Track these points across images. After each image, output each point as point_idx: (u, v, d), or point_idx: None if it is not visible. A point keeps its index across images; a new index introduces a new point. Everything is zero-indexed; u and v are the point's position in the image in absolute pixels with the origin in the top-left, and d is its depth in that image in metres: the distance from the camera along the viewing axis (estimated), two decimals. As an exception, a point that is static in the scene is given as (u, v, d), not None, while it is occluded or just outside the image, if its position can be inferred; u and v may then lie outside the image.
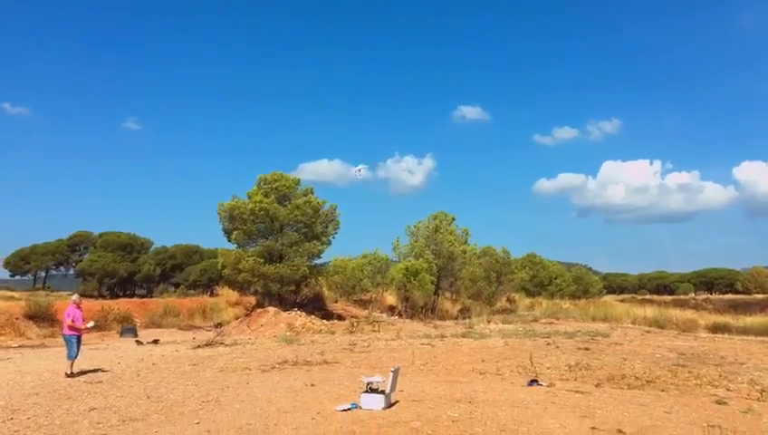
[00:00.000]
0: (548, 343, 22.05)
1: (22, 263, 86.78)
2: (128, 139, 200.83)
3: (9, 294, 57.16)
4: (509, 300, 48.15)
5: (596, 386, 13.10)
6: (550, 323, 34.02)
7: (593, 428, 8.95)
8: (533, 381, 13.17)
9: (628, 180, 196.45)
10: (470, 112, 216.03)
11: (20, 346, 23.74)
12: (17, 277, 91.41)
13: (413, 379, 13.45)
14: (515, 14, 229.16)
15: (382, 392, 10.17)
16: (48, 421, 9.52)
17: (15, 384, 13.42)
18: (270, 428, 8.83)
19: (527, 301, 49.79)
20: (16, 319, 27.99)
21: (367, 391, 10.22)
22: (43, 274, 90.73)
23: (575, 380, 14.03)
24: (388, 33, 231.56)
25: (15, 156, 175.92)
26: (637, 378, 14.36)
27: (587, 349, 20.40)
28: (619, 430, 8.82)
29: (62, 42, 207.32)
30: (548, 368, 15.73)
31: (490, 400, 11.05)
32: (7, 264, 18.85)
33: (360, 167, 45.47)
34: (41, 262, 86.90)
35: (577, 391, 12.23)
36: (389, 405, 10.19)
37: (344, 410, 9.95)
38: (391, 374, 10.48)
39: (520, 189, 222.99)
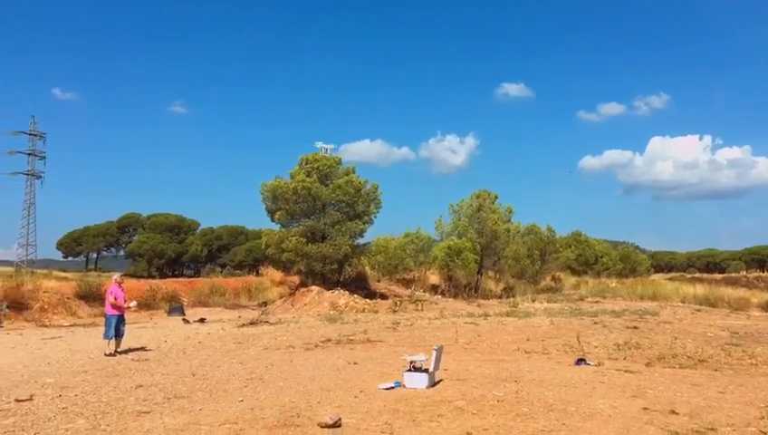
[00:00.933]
0: (595, 322, 21.66)
1: (74, 245, 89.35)
2: (174, 122, 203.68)
3: (63, 275, 58.88)
4: (554, 279, 47.51)
5: (646, 365, 12.75)
6: (596, 302, 33.44)
7: (645, 408, 8.65)
8: (581, 361, 12.87)
9: (677, 156, 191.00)
10: (513, 90, 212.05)
11: (72, 325, 24.35)
12: (70, 259, 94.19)
13: (457, 357, 13.28)
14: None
15: (426, 371, 10.03)
16: (95, 398, 9.64)
17: (65, 362, 13.70)
18: (313, 405, 8.78)
19: (573, 280, 49.03)
20: (68, 299, 28.71)
21: (410, 370, 10.09)
22: (95, 255, 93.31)
23: (624, 359, 13.69)
24: (428, 11, 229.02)
25: (67, 141, 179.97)
26: (688, 357, 13.95)
27: (635, 328, 19.97)
28: (672, 411, 8.51)
29: (107, 27, 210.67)
30: (595, 347, 15.41)
31: (536, 379, 10.82)
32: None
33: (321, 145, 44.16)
34: (92, 244, 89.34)
35: (626, 371, 11.91)
36: (433, 384, 10.05)
37: (387, 388, 9.85)
38: (435, 353, 10.33)
39: (564, 167, 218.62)
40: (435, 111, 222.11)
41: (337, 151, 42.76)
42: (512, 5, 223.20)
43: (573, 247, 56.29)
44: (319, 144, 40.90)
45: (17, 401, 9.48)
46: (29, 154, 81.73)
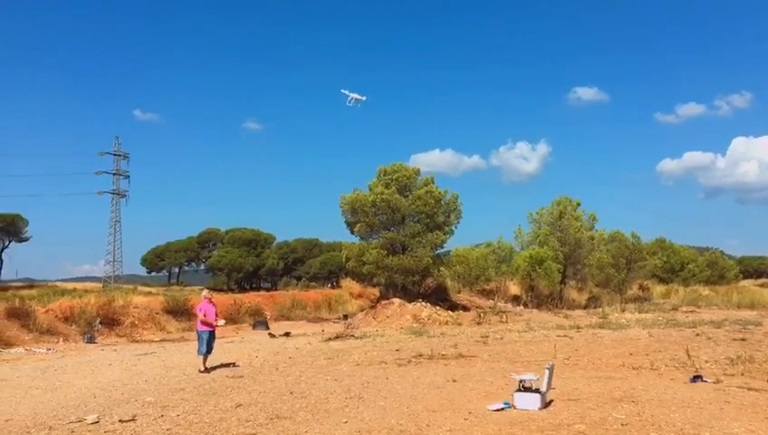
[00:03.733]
0: (696, 334, 20.44)
1: (157, 260, 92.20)
2: (249, 139, 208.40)
3: (147, 289, 60.73)
4: (641, 288, 45.72)
5: (768, 382, 11.75)
6: (691, 312, 31.85)
7: (788, 433, 7.83)
8: (697, 377, 11.97)
9: (762, 157, 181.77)
10: (586, 94, 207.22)
11: (161, 340, 24.78)
12: (153, 274, 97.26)
13: (560, 374, 12.58)
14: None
15: (537, 391, 9.45)
16: (197, 419, 9.49)
17: (162, 379, 13.73)
18: (422, 428, 8.35)
19: (661, 288, 47.05)
20: (156, 314, 29.35)
21: (520, 390, 9.53)
22: (177, 270, 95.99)
23: (742, 374, 12.68)
24: (495, 15, 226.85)
25: (149, 160, 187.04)
26: (813, 372, 12.81)
27: (743, 339, 18.72)
28: (822, 437, 7.67)
29: (183, 47, 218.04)
30: (706, 361, 14.40)
31: (655, 399, 10.06)
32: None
33: (355, 96, 43.58)
34: (174, 259, 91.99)
35: (750, 388, 10.97)
36: (545, 405, 9.45)
37: (497, 409, 9.31)
38: (547, 372, 9.73)
39: (642, 171, 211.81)
40: (505, 118, 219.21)
41: (365, 103, 41.47)
42: (581, 7, 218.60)
43: (659, 254, 54.05)
44: (345, 91, 40.27)
45: (121, 421, 9.43)
46: (114, 174, 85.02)
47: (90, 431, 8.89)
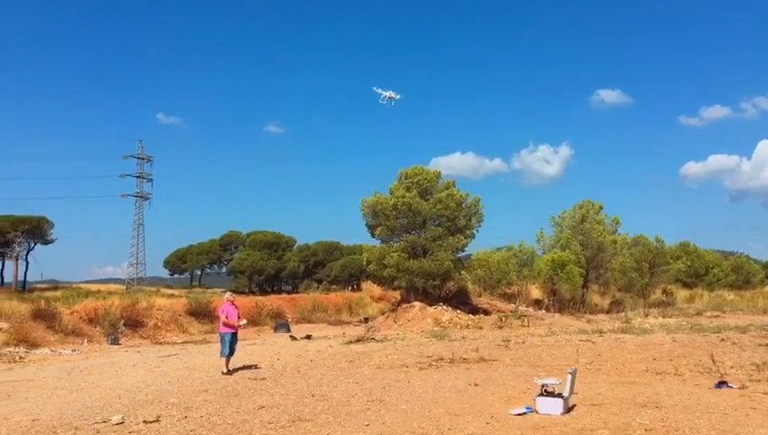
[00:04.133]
0: (721, 339, 20.18)
1: (179, 263, 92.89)
2: (270, 142, 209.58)
3: (170, 291, 61.18)
4: (665, 292, 45.24)
5: (796, 388, 11.56)
6: (716, 317, 31.46)
7: (817, 441, 7.72)
8: (722, 383, 11.82)
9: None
10: (609, 96, 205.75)
11: (184, 342, 25.00)
12: (175, 276, 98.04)
13: (583, 379, 12.49)
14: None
15: (560, 396, 9.39)
16: (221, 420, 9.57)
17: (185, 381, 13.86)
18: (444, 432, 8.34)
19: (685, 293, 46.53)
20: (179, 316, 29.62)
21: (542, 394, 9.48)
22: (199, 272, 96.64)
23: (768, 380, 12.51)
24: (518, 18, 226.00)
25: (171, 163, 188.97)
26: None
27: (769, 345, 18.44)
28: None
29: (204, 51, 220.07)
30: (731, 367, 14.21)
31: (679, 404, 9.96)
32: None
33: (389, 93, 43.70)
34: (196, 261, 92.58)
35: (775, 395, 10.83)
36: (568, 410, 9.40)
37: (519, 414, 9.28)
38: (569, 377, 9.68)
39: (666, 174, 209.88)
40: (527, 121, 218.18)
41: (396, 100, 41.51)
42: (604, 9, 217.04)
43: (683, 258, 53.43)
44: (378, 89, 40.33)
45: (145, 422, 9.54)
46: (137, 177, 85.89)
47: (114, 432, 9.01)
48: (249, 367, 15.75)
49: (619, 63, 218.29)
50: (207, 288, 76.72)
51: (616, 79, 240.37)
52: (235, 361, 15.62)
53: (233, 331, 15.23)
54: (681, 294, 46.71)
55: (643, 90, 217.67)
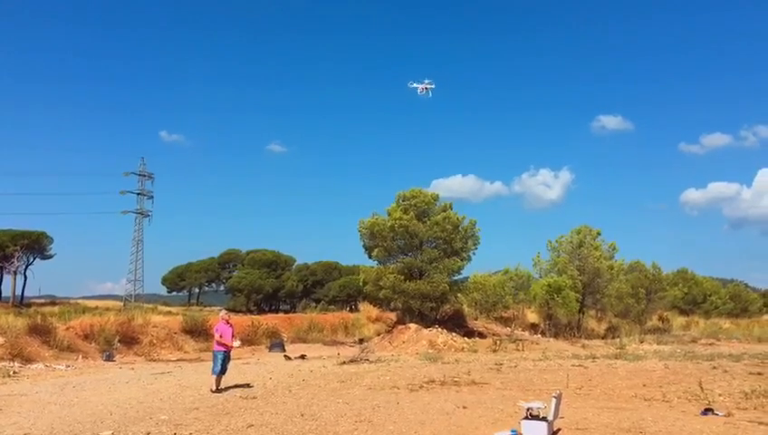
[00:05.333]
0: (714, 367, 20.24)
1: (178, 280, 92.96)
2: (272, 161, 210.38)
3: (167, 309, 61.26)
4: (661, 319, 45.28)
5: (781, 417, 11.66)
6: (710, 345, 31.52)
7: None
8: (708, 410, 11.93)
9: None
10: (610, 122, 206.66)
11: (178, 360, 25.06)
12: (174, 293, 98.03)
13: (571, 404, 12.61)
14: (655, 17, 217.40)
15: (544, 419, 9.52)
16: (209, 437, 9.69)
17: (177, 398, 13.96)
18: (428, 454, 8.47)
19: (681, 320, 46.58)
20: (175, 333, 29.67)
21: (527, 418, 9.60)
22: (197, 290, 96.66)
23: (755, 409, 12.59)
24: (521, 42, 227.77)
25: (173, 180, 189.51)
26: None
27: (760, 374, 18.50)
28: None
29: (208, 70, 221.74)
30: (720, 395, 14.30)
31: (662, 430, 10.08)
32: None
33: (424, 85, 44.99)
34: (195, 279, 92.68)
35: (761, 423, 10.92)
36: (552, 433, 9.52)
37: (503, 436, 9.41)
38: (554, 400, 9.81)
39: (666, 200, 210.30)
40: (528, 145, 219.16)
41: (431, 93, 42.70)
42: (606, 35, 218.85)
43: (681, 285, 53.52)
44: (414, 84, 41.50)
45: (135, 438, 9.66)
46: (138, 194, 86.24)
47: (104, 447, 9.12)
48: (241, 386, 15.84)
49: (620, 89, 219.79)
50: (205, 306, 76.74)
51: (617, 105, 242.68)
52: (228, 379, 15.72)
53: (226, 349, 15.33)
54: (677, 320, 46.76)
55: (644, 116, 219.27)
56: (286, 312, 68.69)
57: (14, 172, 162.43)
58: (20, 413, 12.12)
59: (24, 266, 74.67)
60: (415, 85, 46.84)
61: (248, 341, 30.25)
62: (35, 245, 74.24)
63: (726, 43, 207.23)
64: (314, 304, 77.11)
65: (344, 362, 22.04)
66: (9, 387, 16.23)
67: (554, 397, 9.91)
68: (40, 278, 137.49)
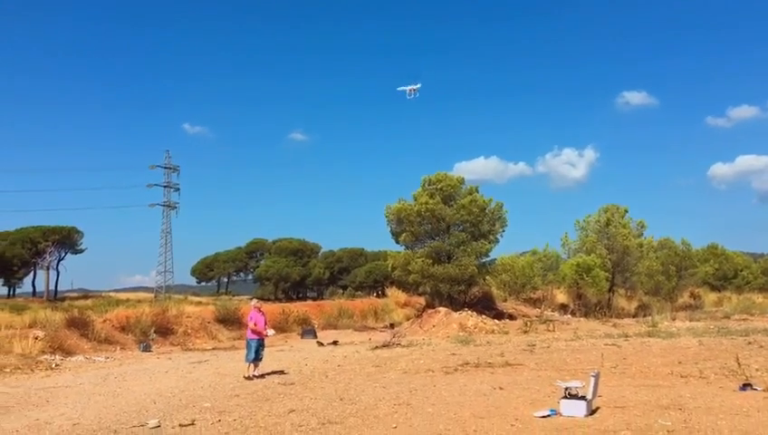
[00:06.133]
0: (749, 342, 20.07)
1: (207, 270, 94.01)
2: (294, 149, 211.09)
3: (197, 299, 62.06)
4: (692, 296, 44.88)
5: (821, 390, 11.58)
6: (744, 320, 31.16)
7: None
8: (746, 386, 11.88)
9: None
10: (635, 98, 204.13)
11: (213, 349, 25.44)
12: (203, 283, 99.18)
13: (607, 382, 12.62)
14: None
15: (583, 398, 9.58)
16: (253, 423, 9.90)
17: (217, 386, 14.26)
18: (470, 434, 8.58)
19: (713, 296, 46.11)
20: (208, 323, 30.11)
21: (566, 397, 9.67)
22: (225, 279, 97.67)
23: (794, 383, 12.52)
24: (541, 20, 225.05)
25: (198, 172, 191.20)
26: None
27: (797, 348, 18.33)
28: None
29: (228, 61, 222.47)
30: (757, 370, 14.20)
31: (702, 406, 10.08)
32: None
33: (411, 87, 46.07)
34: (223, 268, 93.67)
35: (800, 397, 10.87)
36: (591, 412, 9.58)
37: (543, 416, 9.48)
38: (592, 379, 9.86)
39: (693, 175, 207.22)
40: (551, 124, 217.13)
41: (418, 93, 44.43)
42: (629, 10, 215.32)
43: (711, 261, 52.92)
44: (402, 88, 42.65)
45: (181, 426, 9.90)
46: (165, 186, 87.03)
47: (152, 435, 9.37)
48: (278, 372, 16.12)
49: (644, 65, 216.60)
50: (234, 295, 77.54)
51: (641, 80, 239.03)
52: (264, 366, 16.02)
53: (260, 337, 15.63)
54: (709, 297, 46.33)
55: (669, 91, 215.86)
56: (314, 299, 69.25)
57: (44, 169, 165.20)
58: (66, 404, 12.47)
59: (56, 261, 76.07)
60: (403, 88, 48.24)
61: (280, 328, 30.58)
62: (66, 240, 75.54)
63: (751, 12, 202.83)
64: (341, 291, 77.56)
65: (376, 347, 22.22)
66: (53, 379, 16.66)
67: (592, 376, 9.96)
68: (72, 272, 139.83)
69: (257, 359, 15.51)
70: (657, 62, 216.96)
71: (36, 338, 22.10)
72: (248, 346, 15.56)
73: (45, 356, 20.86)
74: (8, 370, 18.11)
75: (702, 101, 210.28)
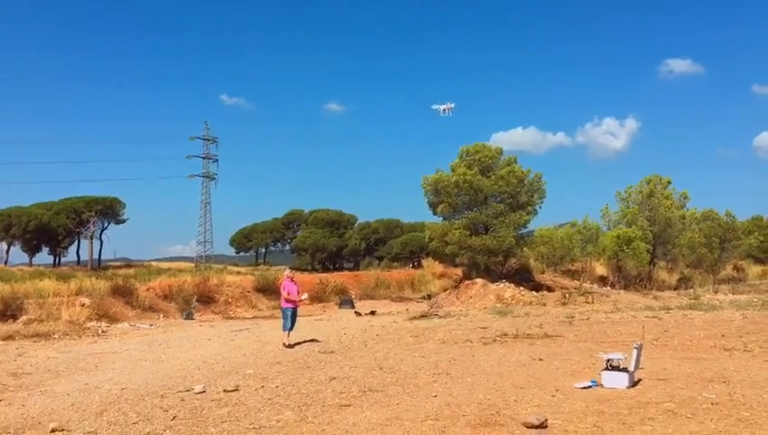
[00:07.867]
0: (795, 316, 19.69)
1: (245, 241, 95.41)
2: (331, 120, 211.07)
3: (236, 269, 63.03)
4: (736, 268, 43.97)
5: None
6: (789, 293, 30.48)
7: None
8: (793, 360, 11.68)
9: None
10: (679, 66, 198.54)
11: (254, 317, 25.93)
12: (241, 254, 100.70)
13: (649, 355, 12.49)
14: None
15: (625, 370, 9.52)
16: (295, 390, 10.08)
17: (259, 353, 14.54)
18: (510, 404, 8.60)
19: (757, 269, 45.11)
20: (248, 292, 30.66)
21: (607, 368, 9.61)
22: (263, 250, 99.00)
23: (841, 357, 12.26)
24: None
25: (236, 143, 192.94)
26: None
27: (844, 321, 17.92)
28: None
29: (265, 32, 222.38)
30: (803, 344, 13.95)
31: (747, 379, 9.93)
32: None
33: (446, 106, 45.76)
34: (260, 239, 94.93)
35: None
36: (633, 384, 9.51)
37: (584, 387, 9.45)
38: (635, 351, 9.79)
39: (738, 146, 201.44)
40: (591, 93, 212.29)
41: (454, 111, 44.33)
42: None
43: (756, 233, 51.64)
44: (435, 106, 42.40)
45: (225, 391, 10.12)
46: (204, 158, 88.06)
47: (198, 400, 9.61)
48: (317, 341, 16.35)
49: (688, 31, 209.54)
50: (272, 266, 78.57)
51: (686, 47, 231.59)
52: (304, 334, 16.34)
53: (293, 306, 15.88)
54: (753, 270, 45.35)
55: (714, 58, 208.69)
56: (350, 270, 69.76)
57: (88, 141, 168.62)
58: (114, 369, 12.86)
59: (99, 231, 78.05)
60: (437, 107, 48.02)
61: (318, 298, 31.00)
62: (109, 210, 77.28)
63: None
64: (377, 262, 77.98)
65: (414, 318, 22.36)
66: (100, 345, 17.18)
67: (635, 348, 9.88)
68: (114, 242, 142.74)
69: (293, 327, 15.80)
70: (702, 28, 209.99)
71: (83, 305, 22.80)
72: (284, 315, 15.84)
73: (92, 323, 21.50)
74: (57, 336, 18.73)
75: (748, 69, 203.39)
